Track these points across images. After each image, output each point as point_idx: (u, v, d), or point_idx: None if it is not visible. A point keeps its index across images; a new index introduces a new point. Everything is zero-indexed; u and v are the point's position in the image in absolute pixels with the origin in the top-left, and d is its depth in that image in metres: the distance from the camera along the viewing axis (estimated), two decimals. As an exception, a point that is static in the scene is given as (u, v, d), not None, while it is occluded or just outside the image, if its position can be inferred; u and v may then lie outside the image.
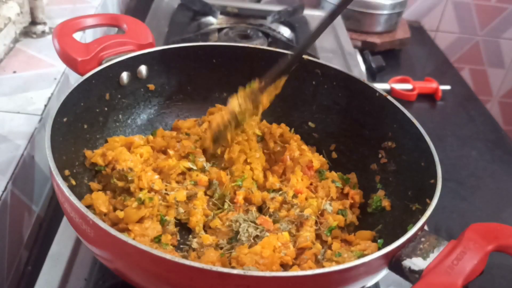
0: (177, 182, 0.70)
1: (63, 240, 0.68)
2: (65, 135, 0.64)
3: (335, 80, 0.79)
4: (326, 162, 0.78)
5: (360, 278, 0.50)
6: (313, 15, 1.38)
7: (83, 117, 0.69)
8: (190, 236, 0.66)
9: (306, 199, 0.70)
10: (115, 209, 0.64)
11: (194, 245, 0.64)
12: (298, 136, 0.80)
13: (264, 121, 0.82)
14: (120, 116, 0.76)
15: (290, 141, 0.78)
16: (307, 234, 0.63)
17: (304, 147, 0.79)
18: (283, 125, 0.81)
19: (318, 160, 0.76)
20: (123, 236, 0.46)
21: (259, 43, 1.13)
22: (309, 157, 0.76)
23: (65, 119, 0.64)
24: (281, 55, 0.81)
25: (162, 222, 0.64)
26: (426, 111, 1.22)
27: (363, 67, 1.23)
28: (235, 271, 0.44)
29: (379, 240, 0.64)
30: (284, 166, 0.75)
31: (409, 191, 0.67)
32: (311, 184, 0.74)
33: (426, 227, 0.56)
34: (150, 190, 0.66)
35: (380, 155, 0.75)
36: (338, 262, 0.58)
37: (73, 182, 0.64)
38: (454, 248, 0.50)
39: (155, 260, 0.45)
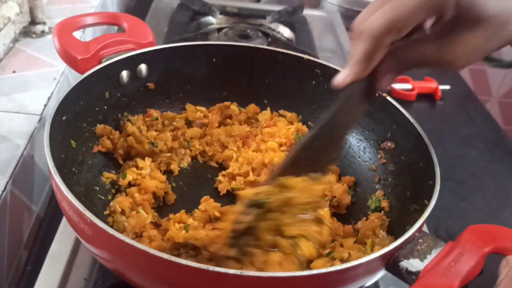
0: None
1: (63, 239, 0.68)
2: (64, 133, 0.64)
3: (334, 80, 0.79)
4: None
5: (357, 279, 0.50)
6: (313, 15, 1.38)
7: (83, 115, 0.69)
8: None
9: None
10: None
11: None
12: None
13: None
14: (120, 115, 0.76)
15: None
16: None
17: None
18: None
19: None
20: (120, 235, 0.46)
21: (258, 43, 1.13)
22: None
23: (64, 118, 0.64)
24: (281, 54, 0.82)
25: None
26: (426, 111, 1.22)
27: (363, 67, 1.23)
28: (232, 271, 0.44)
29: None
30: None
31: (408, 191, 0.67)
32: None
33: (425, 228, 0.56)
34: None
35: (379, 156, 0.75)
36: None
37: (72, 181, 0.64)
38: (452, 249, 0.50)
39: (152, 260, 0.45)
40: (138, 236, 0.62)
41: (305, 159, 0.55)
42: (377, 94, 0.54)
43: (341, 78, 0.52)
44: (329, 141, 0.56)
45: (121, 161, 0.72)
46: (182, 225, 0.64)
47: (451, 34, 0.47)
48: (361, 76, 0.51)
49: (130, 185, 0.69)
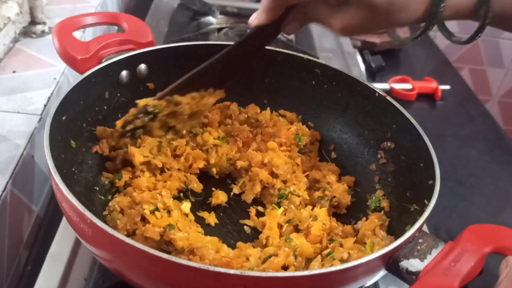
0: None
1: (63, 239, 0.68)
2: (64, 133, 0.64)
3: (334, 80, 0.79)
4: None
5: (357, 279, 0.50)
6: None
7: (82, 115, 0.69)
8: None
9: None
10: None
11: None
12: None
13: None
14: (119, 115, 0.76)
15: None
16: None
17: None
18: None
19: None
20: (120, 235, 0.46)
21: (258, 43, 1.13)
22: None
23: (64, 118, 0.64)
24: (280, 54, 0.82)
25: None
26: (426, 111, 1.22)
27: (362, 67, 1.23)
28: (231, 271, 0.44)
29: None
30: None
31: (408, 191, 0.67)
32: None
33: (425, 228, 0.56)
34: None
35: (379, 156, 0.75)
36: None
37: (71, 181, 0.64)
38: (452, 249, 0.50)
39: (152, 260, 0.46)
40: (131, 234, 0.62)
41: (203, 77, 0.69)
42: (281, 35, 0.68)
43: (252, 20, 0.64)
44: (229, 66, 0.71)
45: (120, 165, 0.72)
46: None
47: (342, 7, 0.58)
48: (266, 22, 0.63)
49: (127, 185, 0.69)
